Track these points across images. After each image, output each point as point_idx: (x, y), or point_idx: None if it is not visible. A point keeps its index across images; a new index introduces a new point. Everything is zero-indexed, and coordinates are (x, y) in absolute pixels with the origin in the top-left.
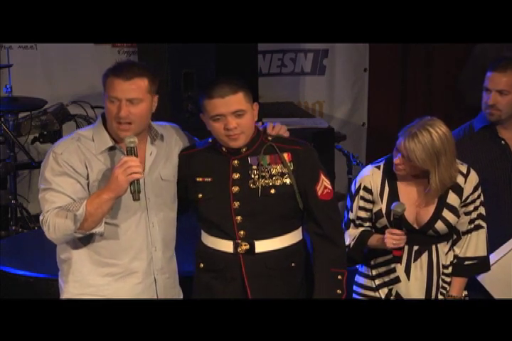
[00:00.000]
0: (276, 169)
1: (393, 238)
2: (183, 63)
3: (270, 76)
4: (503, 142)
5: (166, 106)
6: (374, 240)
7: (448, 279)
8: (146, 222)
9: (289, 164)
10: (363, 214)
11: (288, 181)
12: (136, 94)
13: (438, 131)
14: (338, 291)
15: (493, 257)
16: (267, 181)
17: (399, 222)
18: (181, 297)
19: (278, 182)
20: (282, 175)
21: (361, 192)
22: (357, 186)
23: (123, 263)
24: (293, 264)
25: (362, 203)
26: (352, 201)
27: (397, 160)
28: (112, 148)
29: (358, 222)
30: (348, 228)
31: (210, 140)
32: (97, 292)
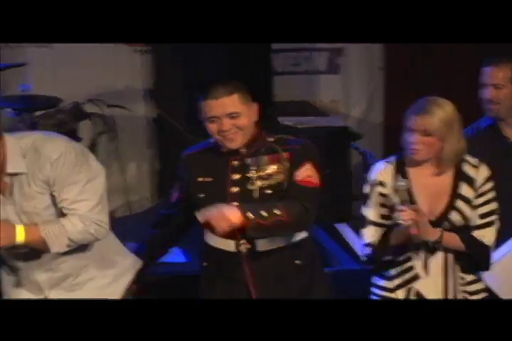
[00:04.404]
0: (273, 169)
1: (402, 214)
2: (197, 62)
3: (285, 75)
4: (508, 141)
5: (180, 105)
6: (395, 232)
7: (466, 277)
8: None
9: (286, 163)
10: (384, 211)
11: (281, 178)
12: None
13: (446, 101)
14: (262, 213)
15: (498, 255)
16: (264, 182)
17: (404, 197)
18: None
19: (273, 182)
20: (278, 173)
21: (377, 188)
22: (371, 183)
23: None
24: (298, 262)
25: (381, 200)
26: (369, 200)
27: (413, 139)
28: None
29: (379, 222)
30: (364, 228)
31: (212, 140)
32: None
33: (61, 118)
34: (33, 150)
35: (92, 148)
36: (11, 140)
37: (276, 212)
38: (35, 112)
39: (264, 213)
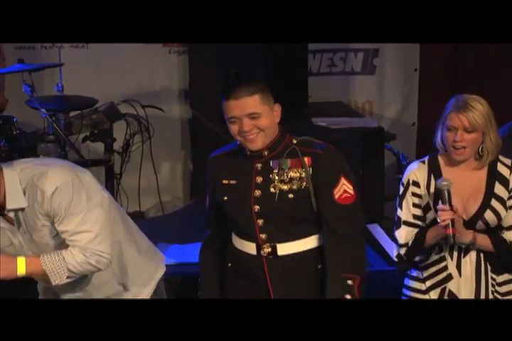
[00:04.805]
0: (295, 173)
1: (439, 214)
2: (233, 62)
3: (320, 75)
4: None
5: (216, 106)
6: (431, 232)
7: (497, 278)
8: None
9: (308, 168)
10: (417, 211)
11: (304, 184)
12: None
13: (481, 98)
14: (348, 297)
15: None
16: (286, 185)
17: (445, 197)
18: None
19: (295, 186)
20: (301, 179)
21: (411, 188)
22: (405, 183)
23: None
24: (319, 266)
25: (415, 200)
26: (403, 200)
27: (457, 138)
28: None
29: (413, 222)
30: (398, 228)
31: (238, 142)
32: None
33: (96, 118)
34: (31, 186)
35: (126, 148)
36: (10, 174)
37: (349, 282)
38: (70, 113)
39: (348, 296)
